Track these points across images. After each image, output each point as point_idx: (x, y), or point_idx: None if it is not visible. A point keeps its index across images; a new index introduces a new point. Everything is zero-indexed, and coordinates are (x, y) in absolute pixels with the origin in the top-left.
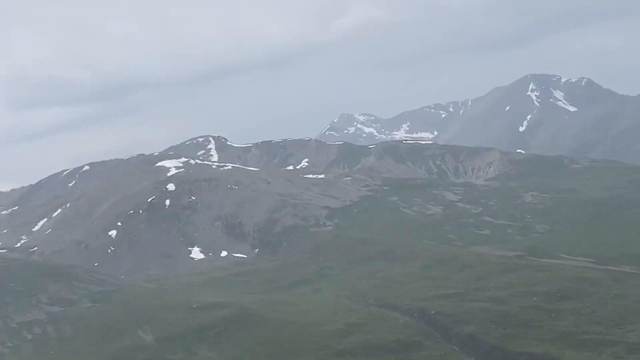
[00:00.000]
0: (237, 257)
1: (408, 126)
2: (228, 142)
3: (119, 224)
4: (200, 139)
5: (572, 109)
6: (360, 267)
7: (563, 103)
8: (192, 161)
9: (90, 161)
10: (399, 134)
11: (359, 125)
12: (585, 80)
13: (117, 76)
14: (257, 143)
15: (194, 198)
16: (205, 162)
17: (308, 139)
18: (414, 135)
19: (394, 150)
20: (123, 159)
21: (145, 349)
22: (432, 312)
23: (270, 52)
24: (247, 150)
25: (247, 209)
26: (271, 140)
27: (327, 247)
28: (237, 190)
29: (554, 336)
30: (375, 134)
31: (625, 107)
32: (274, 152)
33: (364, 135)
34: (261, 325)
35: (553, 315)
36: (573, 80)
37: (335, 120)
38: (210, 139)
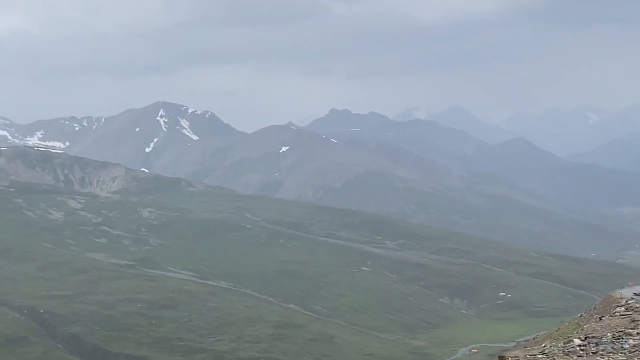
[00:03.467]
0: None
1: (42, 134)
2: None
3: None
4: None
5: (195, 137)
6: None
7: (187, 131)
8: None
9: None
10: (33, 140)
11: None
12: (209, 114)
13: None
14: None
15: None
16: None
17: None
18: (47, 143)
19: (25, 155)
20: None
21: None
22: (42, 310)
23: None
24: None
25: None
26: None
27: None
28: None
29: (152, 341)
30: (9, 137)
31: (241, 142)
32: None
33: None
34: None
35: (153, 322)
36: (199, 112)
37: None
38: None
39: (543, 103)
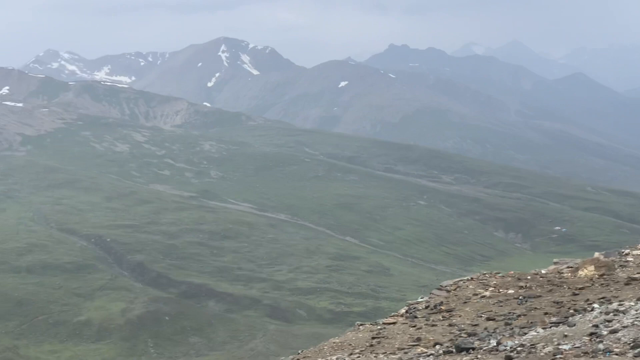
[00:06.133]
0: None
1: (109, 69)
2: None
3: None
4: None
5: (255, 72)
6: (46, 192)
7: (248, 66)
8: None
9: None
10: (100, 75)
11: (62, 62)
12: (270, 49)
13: None
14: None
15: None
16: None
17: (11, 68)
18: (114, 77)
19: (92, 89)
20: None
21: None
22: (108, 239)
23: None
24: None
25: None
26: None
27: (18, 171)
28: None
29: (213, 270)
30: (78, 72)
31: (300, 77)
32: None
33: (67, 72)
34: None
35: (215, 252)
36: (259, 47)
37: (40, 54)
38: None
39: (602, 38)
